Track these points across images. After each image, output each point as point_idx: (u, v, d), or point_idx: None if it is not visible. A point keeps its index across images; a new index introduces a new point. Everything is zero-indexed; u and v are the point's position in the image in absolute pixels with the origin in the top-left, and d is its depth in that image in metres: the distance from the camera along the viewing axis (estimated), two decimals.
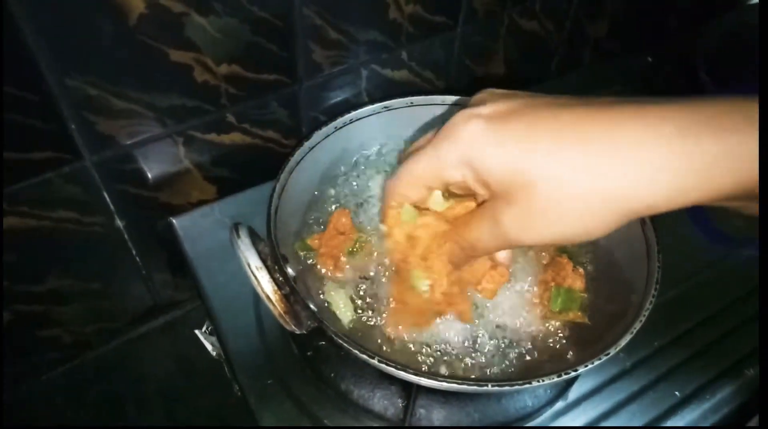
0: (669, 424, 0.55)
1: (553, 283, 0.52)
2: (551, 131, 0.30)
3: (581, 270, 0.54)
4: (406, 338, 0.49)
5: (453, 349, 0.49)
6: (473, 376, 0.48)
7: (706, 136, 0.28)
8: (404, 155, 0.39)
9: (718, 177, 0.28)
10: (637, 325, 0.44)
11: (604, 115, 0.30)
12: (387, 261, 0.51)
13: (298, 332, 0.44)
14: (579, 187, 0.29)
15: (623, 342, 0.43)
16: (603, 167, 0.29)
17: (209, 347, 0.67)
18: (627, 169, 0.29)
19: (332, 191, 0.59)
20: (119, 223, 0.64)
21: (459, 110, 0.34)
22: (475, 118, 0.32)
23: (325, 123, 0.56)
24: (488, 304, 0.51)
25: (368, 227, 0.55)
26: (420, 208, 0.40)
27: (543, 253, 0.55)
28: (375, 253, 0.52)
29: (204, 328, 0.67)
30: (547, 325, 0.51)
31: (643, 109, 0.29)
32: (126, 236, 0.66)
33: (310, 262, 0.54)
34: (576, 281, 0.53)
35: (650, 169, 0.28)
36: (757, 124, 0.27)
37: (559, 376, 0.41)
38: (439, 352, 0.49)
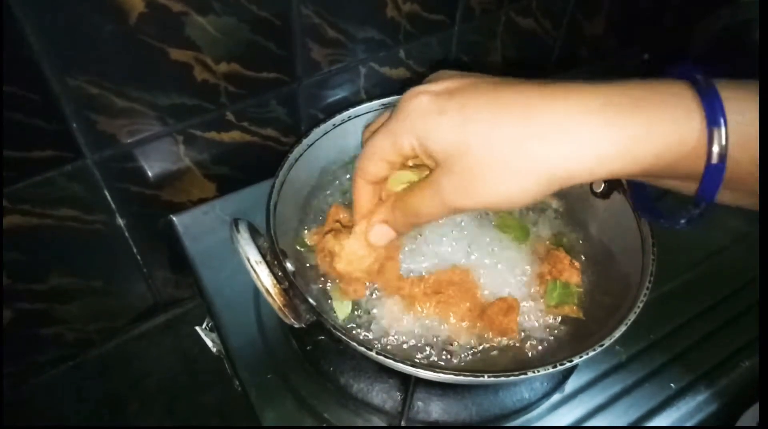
0: (665, 415, 0.56)
1: (549, 277, 0.53)
2: (490, 106, 0.33)
3: (577, 264, 0.54)
4: (403, 331, 0.50)
5: (451, 344, 0.50)
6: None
7: (629, 113, 0.30)
8: (365, 135, 0.42)
9: (638, 152, 0.30)
10: (632, 317, 0.45)
11: (541, 92, 0.32)
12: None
13: (297, 326, 0.45)
14: (510, 157, 0.32)
15: (617, 333, 0.43)
16: (532, 139, 0.31)
17: (210, 344, 0.67)
18: (553, 141, 0.31)
19: (330, 187, 0.59)
20: (120, 221, 0.65)
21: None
22: (423, 94, 0.35)
23: (324, 120, 0.57)
24: (491, 297, 0.52)
25: None
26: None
27: (540, 247, 0.56)
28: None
29: (204, 325, 0.67)
30: (543, 318, 0.52)
31: (578, 88, 0.31)
32: (127, 234, 0.67)
33: (308, 256, 0.54)
34: (573, 275, 0.54)
35: (574, 141, 0.31)
36: (680, 103, 0.29)
37: (554, 366, 0.42)
38: (437, 347, 0.50)
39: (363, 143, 0.40)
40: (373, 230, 0.42)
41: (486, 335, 0.51)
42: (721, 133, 0.29)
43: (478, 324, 0.50)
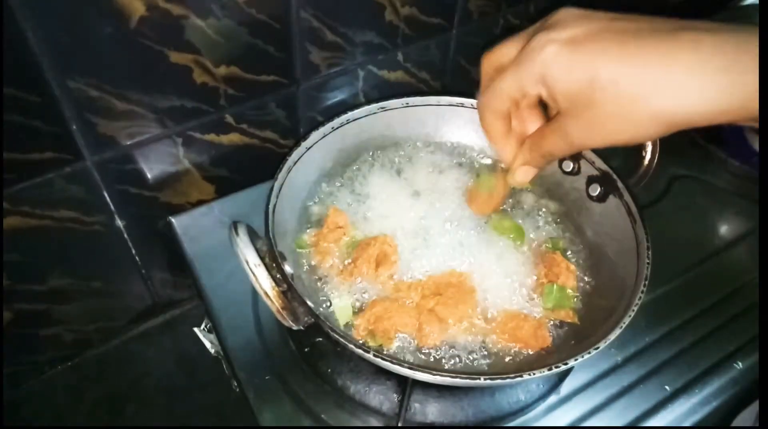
0: (660, 417, 0.56)
1: (545, 280, 0.54)
2: (615, 57, 0.36)
3: (573, 267, 0.55)
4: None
5: (452, 348, 0.50)
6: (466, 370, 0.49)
7: (743, 65, 0.33)
8: (485, 65, 0.45)
9: (748, 98, 0.33)
10: (627, 320, 0.45)
11: (665, 44, 0.35)
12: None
13: (295, 328, 0.45)
14: (632, 108, 0.36)
15: (613, 336, 0.44)
16: (654, 92, 0.35)
17: (208, 345, 0.67)
18: (672, 93, 0.35)
19: (329, 190, 0.60)
20: (119, 222, 0.65)
21: (538, 28, 0.40)
22: (551, 44, 0.38)
23: (323, 123, 0.57)
24: (488, 305, 0.52)
25: (364, 225, 0.57)
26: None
27: (537, 250, 0.56)
28: (369, 249, 0.53)
29: (203, 326, 0.68)
30: (539, 320, 0.52)
31: (699, 42, 0.34)
32: (126, 235, 0.67)
33: (307, 259, 0.55)
34: (569, 280, 0.54)
35: (692, 91, 0.34)
36: None
37: (550, 369, 0.42)
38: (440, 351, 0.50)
39: (483, 73, 0.45)
40: (518, 172, 0.47)
41: (485, 338, 0.51)
42: None
43: (511, 341, 0.51)
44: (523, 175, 0.47)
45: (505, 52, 0.43)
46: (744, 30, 0.34)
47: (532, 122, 0.46)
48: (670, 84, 0.35)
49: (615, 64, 0.36)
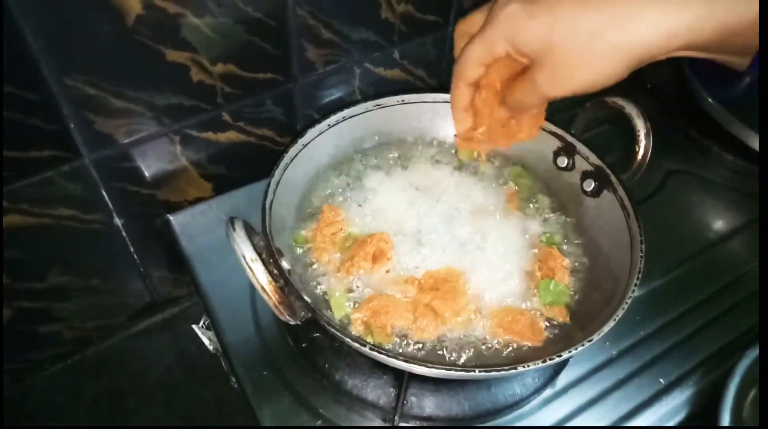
0: (654, 409, 0.57)
1: (539, 273, 0.54)
2: (572, 5, 0.37)
3: (568, 263, 0.55)
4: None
5: (448, 341, 0.51)
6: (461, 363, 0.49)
7: (693, 3, 0.35)
8: (458, 34, 0.46)
9: (702, 28, 0.35)
10: (620, 313, 0.45)
11: None
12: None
13: (292, 323, 0.45)
14: (593, 48, 0.37)
15: (606, 328, 0.44)
16: (611, 27, 0.36)
17: (206, 341, 0.68)
18: (630, 26, 0.36)
19: (326, 187, 0.60)
20: (118, 220, 0.65)
21: None
22: (512, 2, 0.39)
23: (319, 120, 0.57)
24: (483, 299, 0.53)
25: (361, 221, 0.57)
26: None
27: (532, 243, 0.57)
28: (366, 246, 0.54)
29: (201, 323, 0.68)
30: (535, 314, 0.53)
31: None
32: (124, 233, 0.68)
33: (304, 255, 0.55)
34: (564, 276, 0.54)
35: (648, 23, 0.36)
36: None
37: (545, 361, 0.43)
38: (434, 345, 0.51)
39: (456, 46, 0.46)
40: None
41: (481, 331, 0.51)
42: None
43: (507, 335, 0.51)
44: (483, 133, 0.49)
45: (474, 20, 0.45)
46: None
47: (494, 106, 0.47)
48: (627, 16, 0.36)
49: (572, 6, 0.37)
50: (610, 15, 0.36)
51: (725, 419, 0.51)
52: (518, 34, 0.39)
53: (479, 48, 0.42)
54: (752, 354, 0.54)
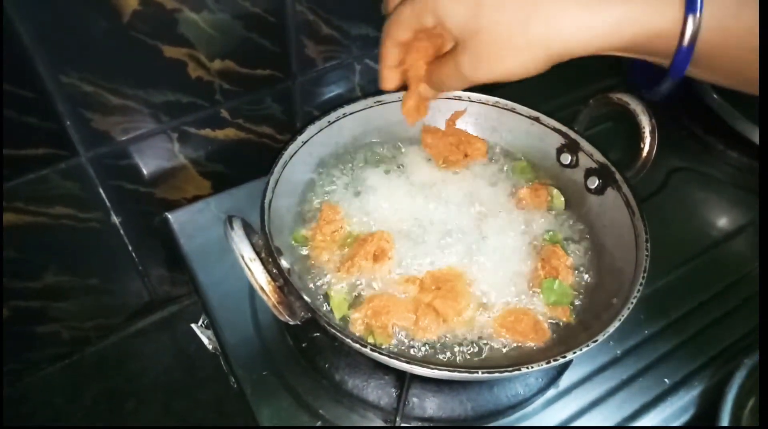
0: (659, 410, 0.56)
1: (542, 272, 0.53)
2: None
3: (572, 262, 0.55)
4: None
5: (450, 342, 0.50)
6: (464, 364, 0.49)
7: (616, 4, 0.35)
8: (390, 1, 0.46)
9: (621, 32, 0.36)
10: (626, 313, 0.45)
11: None
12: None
13: (292, 323, 0.45)
14: (515, 37, 0.37)
15: (611, 328, 0.44)
16: (534, 20, 0.37)
17: (205, 341, 0.67)
18: (551, 23, 0.36)
19: (325, 184, 0.59)
20: (115, 219, 0.65)
21: None
22: None
23: (319, 117, 0.57)
24: (486, 299, 0.52)
25: (361, 219, 0.56)
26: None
27: (535, 241, 0.56)
28: (366, 245, 0.53)
29: (200, 322, 0.68)
30: (537, 314, 0.52)
31: None
32: (122, 232, 0.67)
33: (304, 254, 0.54)
34: (568, 275, 0.54)
35: (568, 22, 0.36)
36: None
37: (548, 362, 0.42)
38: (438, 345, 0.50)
39: (386, 7, 0.45)
40: (410, 98, 0.51)
41: (484, 332, 0.51)
42: (696, 20, 0.33)
43: (510, 335, 0.50)
44: (413, 101, 0.51)
45: None
46: None
47: (421, 68, 0.48)
48: (549, 12, 0.36)
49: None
50: (533, 8, 0.36)
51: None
52: (446, 13, 0.39)
53: (408, 13, 0.42)
54: (749, 363, 0.54)
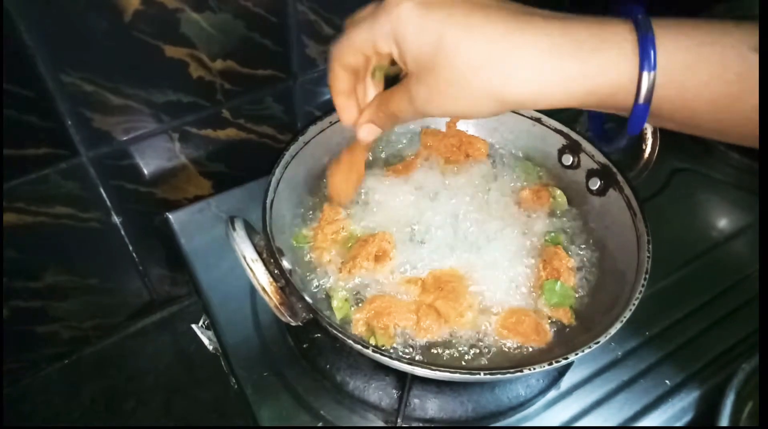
0: (660, 411, 0.56)
1: (543, 273, 0.53)
2: (458, 28, 0.36)
3: (573, 263, 0.54)
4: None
5: (451, 343, 0.50)
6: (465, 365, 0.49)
7: (570, 56, 0.34)
8: (348, 23, 0.43)
9: (575, 88, 0.35)
10: (627, 314, 0.45)
11: (507, 26, 0.36)
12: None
13: (293, 324, 0.45)
14: (469, 80, 0.36)
15: (613, 330, 0.43)
16: (490, 67, 0.35)
17: (206, 341, 0.67)
18: (506, 72, 0.35)
19: (327, 185, 0.59)
20: (116, 218, 0.65)
21: None
22: (406, 1, 0.37)
23: (320, 118, 0.57)
24: (487, 300, 0.52)
25: (362, 220, 0.56)
26: None
27: (537, 242, 0.56)
28: (368, 246, 0.53)
29: (201, 323, 0.67)
30: (540, 315, 0.52)
31: (532, 24, 0.36)
32: (123, 232, 0.67)
33: (305, 254, 0.54)
34: (569, 277, 0.54)
35: (523, 75, 0.35)
36: (618, 47, 0.34)
37: (550, 364, 0.42)
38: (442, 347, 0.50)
39: (344, 30, 0.43)
40: (362, 129, 0.45)
41: (485, 332, 0.51)
42: (650, 78, 0.33)
43: (512, 336, 0.50)
44: (366, 132, 0.46)
45: (366, 11, 0.42)
46: (588, 21, 0.35)
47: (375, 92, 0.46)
48: (503, 63, 0.35)
49: (459, 31, 0.36)
50: (489, 58, 0.35)
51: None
52: (406, 39, 0.37)
53: (365, 37, 0.39)
54: (747, 367, 0.54)
